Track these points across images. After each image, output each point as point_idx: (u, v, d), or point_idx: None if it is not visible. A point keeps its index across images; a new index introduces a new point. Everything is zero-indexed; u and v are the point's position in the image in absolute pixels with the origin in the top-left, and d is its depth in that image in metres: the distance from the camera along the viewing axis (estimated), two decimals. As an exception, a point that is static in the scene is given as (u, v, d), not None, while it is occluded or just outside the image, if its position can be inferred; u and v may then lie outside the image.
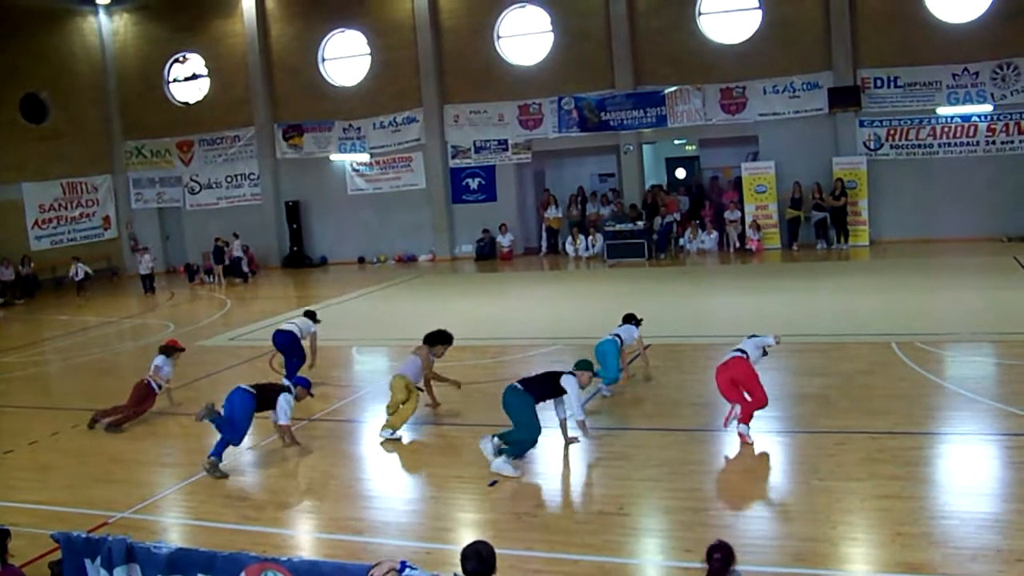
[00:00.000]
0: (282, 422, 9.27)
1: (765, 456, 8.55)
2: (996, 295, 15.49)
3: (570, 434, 8.99)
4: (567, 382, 8.62)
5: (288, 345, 12.21)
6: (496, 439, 8.42)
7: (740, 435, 8.72)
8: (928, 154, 22.43)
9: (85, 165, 29.41)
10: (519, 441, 8.43)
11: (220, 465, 8.94)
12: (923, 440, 8.54)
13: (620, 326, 11.26)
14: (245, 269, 26.04)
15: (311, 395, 9.97)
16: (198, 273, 26.78)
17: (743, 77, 23.46)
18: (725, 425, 8.95)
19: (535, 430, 8.46)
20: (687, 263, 22.80)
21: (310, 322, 12.63)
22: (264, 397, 9.30)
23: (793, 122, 23.31)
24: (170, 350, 11.53)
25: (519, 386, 8.62)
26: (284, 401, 9.28)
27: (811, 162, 22.92)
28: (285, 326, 12.47)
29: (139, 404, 11.13)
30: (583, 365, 8.95)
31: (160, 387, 11.30)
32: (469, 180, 26.86)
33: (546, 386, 8.69)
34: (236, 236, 26.58)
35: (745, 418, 8.83)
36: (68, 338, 18.43)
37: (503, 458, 8.33)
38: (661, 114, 24.14)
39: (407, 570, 4.66)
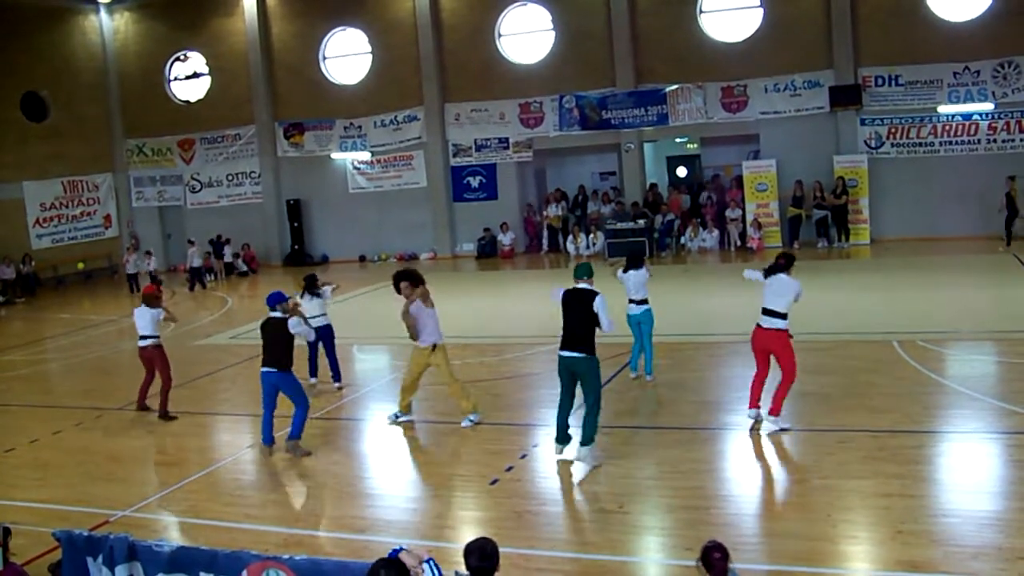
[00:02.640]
0: (299, 330, 9.46)
1: (766, 454, 8.55)
2: (997, 293, 15.49)
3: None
4: (599, 306, 8.31)
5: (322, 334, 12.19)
6: (587, 447, 8.34)
7: (772, 429, 8.84)
8: (929, 152, 22.40)
9: (86, 164, 29.40)
10: (596, 417, 8.37)
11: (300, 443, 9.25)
12: (924, 438, 8.54)
13: (625, 272, 11.05)
14: (208, 277, 25.57)
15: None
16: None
17: (744, 75, 23.44)
18: (752, 419, 9.03)
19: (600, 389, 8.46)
20: (688, 261, 22.79)
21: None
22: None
23: (794, 120, 23.29)
24: (149, 299, 11.34)
25: (579, 353, 8.26)
26: (295, 323, 9.43)
27: (812, 160, 22.90)
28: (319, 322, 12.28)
29: (164, 370, 11.19)
30: (585, 271, 8.59)
31: (155, 339, 11.22)
32: (470, 178, 26.84)
33: (588, 331, 8.31)
34: (192, 243, 25.68)
35: (776, 408, 8.87)
36: (69, 336, 18.44)
37: (587, 448, 8.33)
38: (662, 112, 24.12)
39: (429, 567, 4.59)
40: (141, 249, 27.59)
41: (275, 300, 9.59)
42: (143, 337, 11.26)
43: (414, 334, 9.91)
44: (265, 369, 9.36)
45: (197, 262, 24.92)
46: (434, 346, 9.86)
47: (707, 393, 10.53)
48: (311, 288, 12.12)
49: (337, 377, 12.14)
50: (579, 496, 7.93)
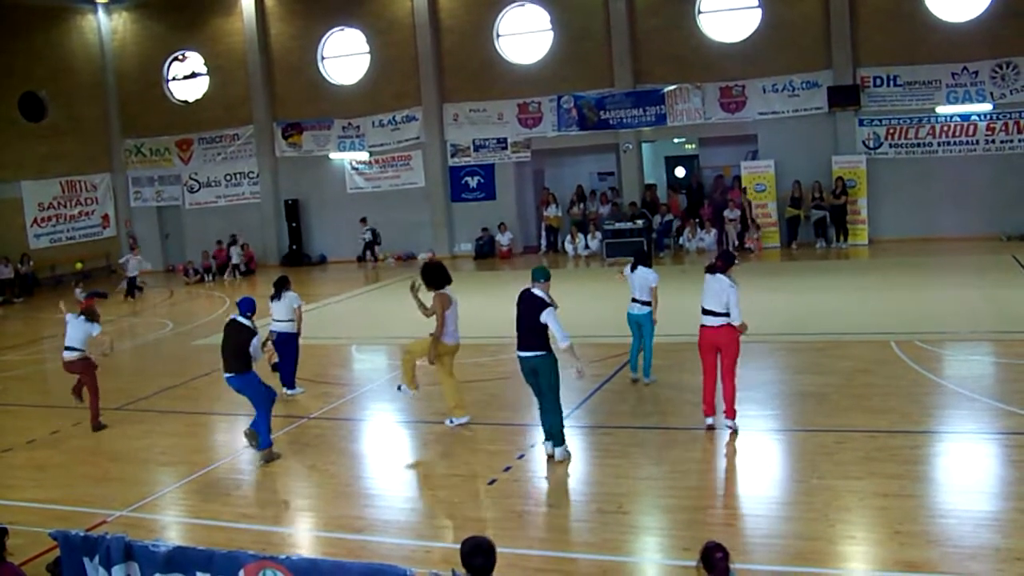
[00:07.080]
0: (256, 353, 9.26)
1: (764, 454, 8.55)
2: (995, 294, 15.48)
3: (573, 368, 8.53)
4: (547, 316, 8.32)
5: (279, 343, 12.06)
6: (560, 446, 8.49)
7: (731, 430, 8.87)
8: (927, 153, 22.41)
9: (84, 163, 29.37)
10: (557, 416, 8.51)
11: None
12: (922, 439, 8.54)
13: (633, 270, 10.97)
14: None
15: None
16: (194, 272, 26.80)
17: (743, 76, 23.45)
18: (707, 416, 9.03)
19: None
20: (686, 262, 22.78)
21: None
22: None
23: (793, 121, 23.30)
24: (88, 313, 11.15)
25: (535, 352, 8.39)
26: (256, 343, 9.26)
27: (811, 161, 22.91)
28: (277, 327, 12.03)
29: (92, 382, 10.94)
30: (541, 274, 8.68)
31: (82, 352, 10.96)
32: (468, 178, 26.84)
33: (539, 333, 8.41)
34: (133, 248, 26.11)
35: (730, 410, 8.91)
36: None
37: (561, 446, 8.49)
38: (660, 113, 24.14)
39: None
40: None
41: (248, 307, 9.33)
42: (70, 349, 10.90)
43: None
44: (227, 375, 9.18)
45: (133, 271, 23.91)
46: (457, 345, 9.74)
47: (705, 393, 10.50)
48: (280, 290, 11.88)
49: (289, 384, 11.92)
50: (577, 496, 7.93)
